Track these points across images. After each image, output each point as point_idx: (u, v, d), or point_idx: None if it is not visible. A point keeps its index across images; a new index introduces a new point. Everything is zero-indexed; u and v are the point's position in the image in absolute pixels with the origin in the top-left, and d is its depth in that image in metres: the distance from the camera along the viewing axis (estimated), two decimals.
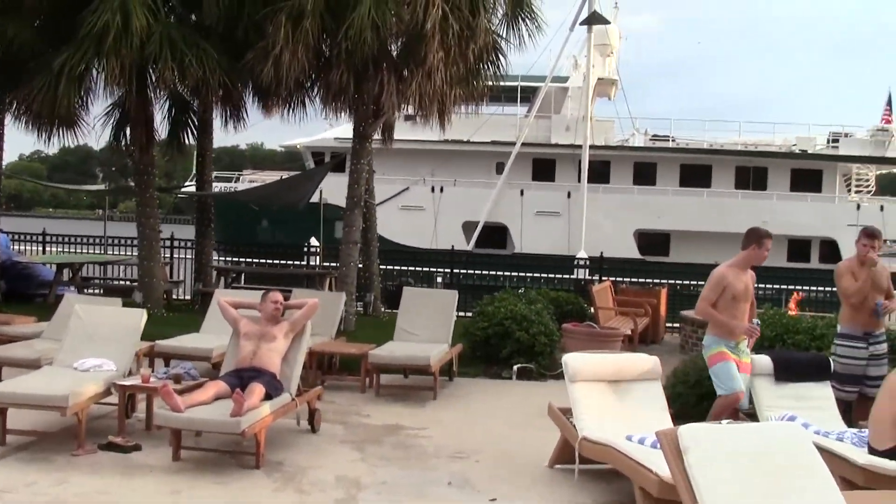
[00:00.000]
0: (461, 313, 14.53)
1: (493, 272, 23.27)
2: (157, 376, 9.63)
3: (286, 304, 9.85)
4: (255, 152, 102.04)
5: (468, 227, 40.97)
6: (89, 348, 9.95)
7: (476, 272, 23.33)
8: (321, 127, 38.92)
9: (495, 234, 40.98)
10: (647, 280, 20.52)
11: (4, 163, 20.79)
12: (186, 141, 19.93)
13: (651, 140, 44.06)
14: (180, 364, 10.51)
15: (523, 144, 40.83)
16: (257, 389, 8.58)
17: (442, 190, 41.82)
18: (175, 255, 22.54)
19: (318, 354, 12.25)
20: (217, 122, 19.77)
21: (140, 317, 10.50)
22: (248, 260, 24.07)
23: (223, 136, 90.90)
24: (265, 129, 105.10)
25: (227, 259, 24.95)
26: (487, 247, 38.82)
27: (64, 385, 8.82)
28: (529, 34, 17.09)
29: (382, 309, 18.88)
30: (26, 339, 11.88)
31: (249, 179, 45.99)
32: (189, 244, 21.88)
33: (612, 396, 8.43)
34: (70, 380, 9.10)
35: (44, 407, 8.70)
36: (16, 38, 16.31)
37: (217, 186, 35.92)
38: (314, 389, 10.06)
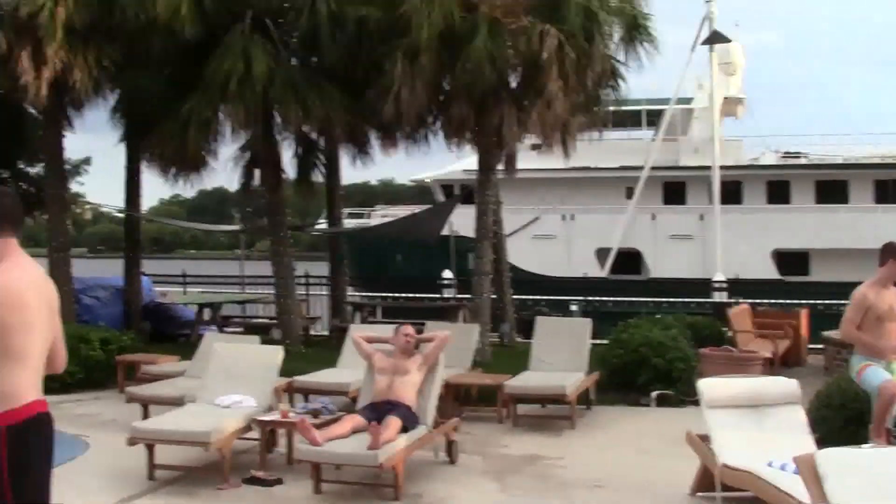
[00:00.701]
0: (597, 341, 14.43)
1: (628, 298, 22.98)
2: (295, 411, 9.79)
3: (418, 338, 9.90)
4: (386, 188, 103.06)
5: (601, 254, 40.64)
6: (229, 385, 10.17)
7: (611, 299, 23.11)
8: (452, 159, 39.21)
9: (629, 260, 40.53)
10: (787, 301, 20.00)
11: (145, 207, 21.50)
12: (316, 179, 20.24)
13: (783, 157, 43.00)
14: (318, 399, 10.65)
15: (652, 168, 40.33)
16: (393, 422, 8.63)
17: (573, 217, 41.61)
18: (311, 292, 22.93)
19: (455, 386, 12.25)
20: (345, 160, 20.12)
21: (277, 353, 10.73)
22: (382, 294, 24.33)
23: (355, 173, 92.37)
24: (395, 164, 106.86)
25: (363, 294, 25.28)
26: (622, 273, 38.39)
27: (206, 421, 9.07)
28: (648, 57, 17.00)
29: (517, 339, 18.82)
30: (170, 378, 12.24)
31: (382, 215, 46.54)
32: (324, 281, 22.23)
33: (751, 421, 8.20)
34: (212, 416, 9.35)
35: (188, 443, 8.96)
36: (147, 88, 16.90)
37: (350, 223, 36.45)
38: (451, 421, 10.06)
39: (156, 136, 17.24)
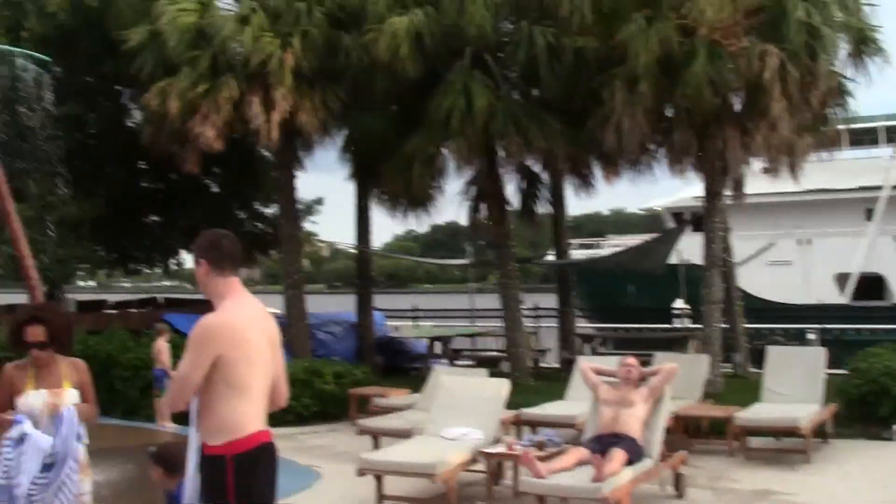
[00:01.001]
0: (835, 371, 13.81)
1: (870, 326, 21.92)
2: (521, 444, 9.81)
3: (643, 371, 9.75)
4: (617, 217, 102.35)
5: (841, 280, 38.90)
6: (456, 417, 10.32)
7: (851, 327, 22.12)
8: (683, 185, 38.44)
9: (872, 285, 38.61)
10: None
11: (380, 243, 22.22)
12: (540, 211, 20.31)
13: None
14: (544, 431, 10.64)
15: (893, 187, 38.34)
16: (618, 455, 8.53)
17: (809, 242, 40.03)
18: (541, 324, 22.99)
19: (684, 418, 12.00)
20: (569, 191, 20.15)
21: (503, 386, 10.82)
22: (612, 326, 24.17)
23: (585, 203, 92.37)
24: (626, 192, 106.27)
25: (594, 325, 25.19)
26: (864, 299, 36.59)
27: (433, 453, 9.26)
28: (879, 70, 16.24)
29: (751, 369, 18.24)
30: (400, 410, 12.55)
31: (613, 245, 46.14)
32: (554, 312, 22.25)
33: None
34: (439, 448, 9.53)
35: (415, 474, 9.14)
36: (371, 127, 17.46)
37: (580, 254, 36.34)
38: (678, 454, 9.86)
39: (382, 174, 17.83)
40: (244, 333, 4.71)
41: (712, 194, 16.59)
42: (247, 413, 4.68)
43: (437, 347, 20.95)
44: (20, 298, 16.67)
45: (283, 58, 16.28)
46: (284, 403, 5.11)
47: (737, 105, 16.18)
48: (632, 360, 9.71)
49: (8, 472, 5.67)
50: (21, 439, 5.69)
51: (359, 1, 16.75)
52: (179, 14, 16.75)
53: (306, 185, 41.11)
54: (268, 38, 16.41)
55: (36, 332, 6.03)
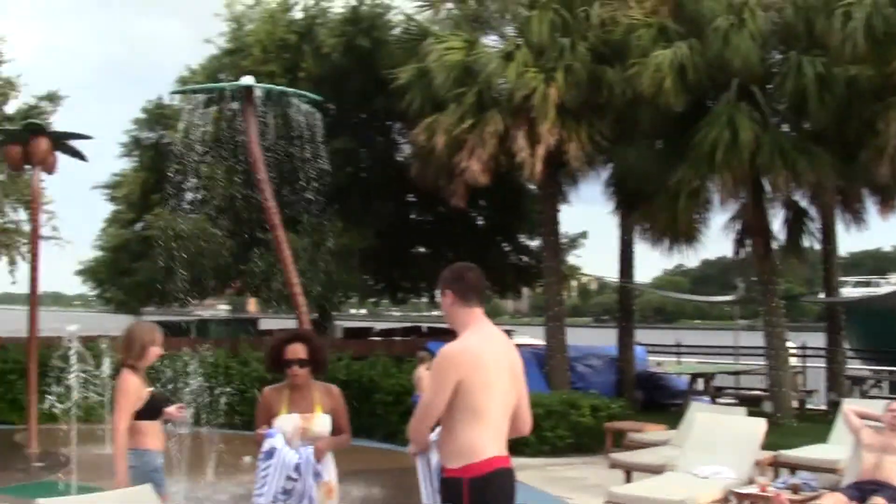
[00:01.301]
0: None
1: None
2: (775, 486, 9.53)
3: None
4: None
5: None
6: (709, 455, 10.16)
7: None
8: None
9: None
10: None
11: (649, 278, 22.16)
12: (809, 246, 19.64)
13: None
14: (801, 474, 10.29)
15: None
16: (878, 503, 8.15)
17: None
18: (808, 364, 22.19)
19: None
20: (839, 226, 19.39)
21: (759, 426, 10.56)
22: (888, 368, 23.07)
23: (864, 239, 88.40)
24: None
25: (869, 367, 24.12)
26: None
27: (682, 490, 9.19)
28: None
29: None
30: (655, 446, 12.44)
31: (894, 283, 43.85)
32: (822, 352, 21.45)
33: None
34: (689, 485, 9.43)
35: None
36: (635, 161, 17.41)
37: (855, 291, 34.82)
38: None
39: (646, 207, 17.76)
40: (483, 360, 4.85)
41: None
42: (483, 438, 4.81)
43: (699, 384, 20.54)
44: (290, 324, 17.55)
45: (546, 92, 16.56)
46: (527, 431, 5.20)
47: None
48: None
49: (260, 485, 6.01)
50: (270, 453, 6.01)
51: (622, 35, 16.80)
52: (446, 52, 17.32)
53: (571, 218, 41.30)
54: (532, 74, 16.73)
55: (297, 350, 6.27)
